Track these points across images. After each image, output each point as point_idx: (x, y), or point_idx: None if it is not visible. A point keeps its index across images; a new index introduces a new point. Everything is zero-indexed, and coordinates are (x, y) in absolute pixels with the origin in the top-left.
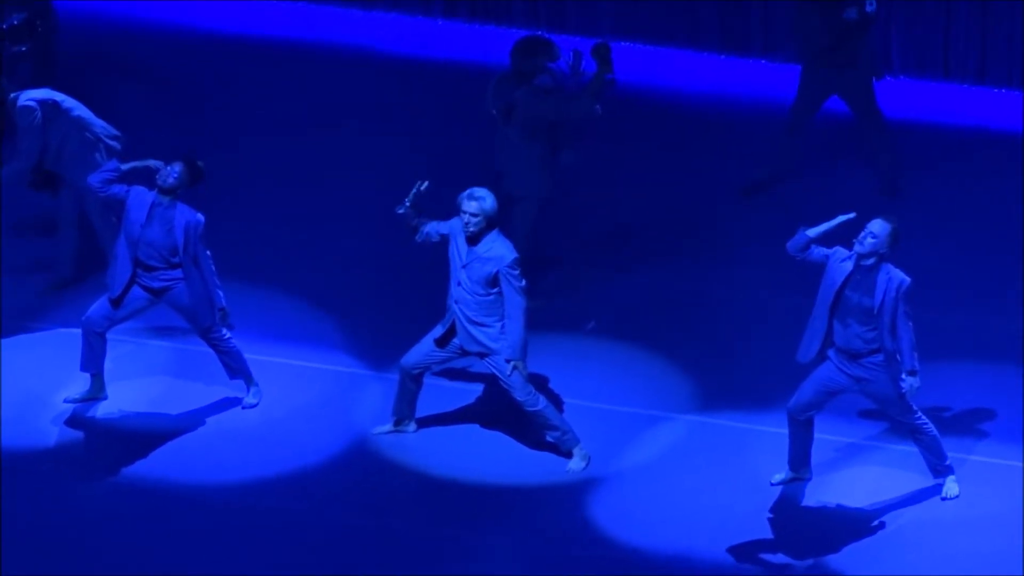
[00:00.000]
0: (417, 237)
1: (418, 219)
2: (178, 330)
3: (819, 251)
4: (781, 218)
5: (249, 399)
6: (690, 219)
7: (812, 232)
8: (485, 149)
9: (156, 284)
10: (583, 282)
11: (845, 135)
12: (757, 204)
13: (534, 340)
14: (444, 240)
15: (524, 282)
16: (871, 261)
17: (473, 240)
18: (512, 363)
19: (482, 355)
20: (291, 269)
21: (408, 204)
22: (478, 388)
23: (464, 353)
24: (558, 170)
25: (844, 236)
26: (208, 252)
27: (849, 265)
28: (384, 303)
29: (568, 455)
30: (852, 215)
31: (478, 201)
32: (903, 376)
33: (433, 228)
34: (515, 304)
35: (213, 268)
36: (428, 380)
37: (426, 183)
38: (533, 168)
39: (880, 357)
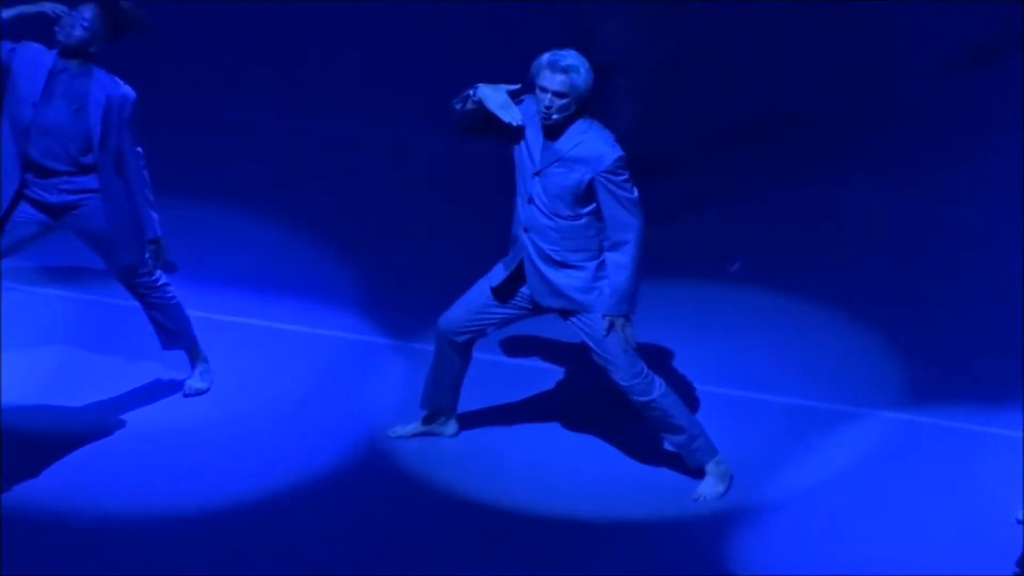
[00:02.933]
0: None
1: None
2: (87, 272)
3: None
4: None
5: (194, 383)
6: (875, 105)
7: None
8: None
9: (55, 198)
10: (718, 198)
11: None
12: (977, 80)
13: (645, 290)
14: (503, 133)
15: (636, 192)
16: None
17: (554, 132)
18: (610, 320)
19: (565, 313)
20: (277, 191)
21: (475, 99)
22: (556, 367)
23: (537, 310)
24: (674, 27)
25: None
26: (139, 149)
27: None
28: (411, 242)
29: (699, 473)
30: None
31: (567, 73)
32: None
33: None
34: (624, 226)
35: (146, 175)
36: (478, 353)
37: (520, 90)
38: (638, 25)
39: None
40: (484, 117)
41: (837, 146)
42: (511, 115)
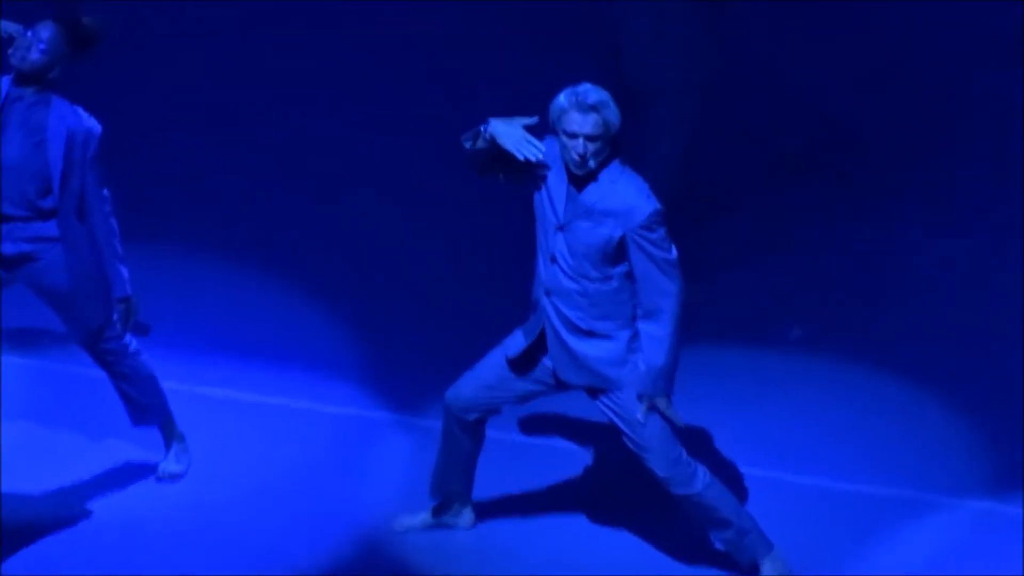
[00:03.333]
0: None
1: (489, 164)
2: (45, 335)
3: None
4: None
5: (169, 465)
6: (946, 129)
7: None
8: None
9: (9, 248)
10: (768, 245)
11: None
12: None
13: (685, 359)
14: (519, 172)
15: (675, 252)
16: None
17: (580, 180)
18: (647, 401)
19: (593, 391)
20: (265, 245)
21: (487, 136)
22: (583, 448)
23: (559, 385)
24: (714, 48)
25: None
26: (106, 192)
27: None
28: (417, 304)
29: (752, 570)
30: None
31: (598, 111)
32: None
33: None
34: (660, 291)
35: (114, 223)
36: (492, 432)
37: (538, 124)
38: (691, 39)
39: None
40: (498, 155)
41: (909, 179)
42: (528, 150)
